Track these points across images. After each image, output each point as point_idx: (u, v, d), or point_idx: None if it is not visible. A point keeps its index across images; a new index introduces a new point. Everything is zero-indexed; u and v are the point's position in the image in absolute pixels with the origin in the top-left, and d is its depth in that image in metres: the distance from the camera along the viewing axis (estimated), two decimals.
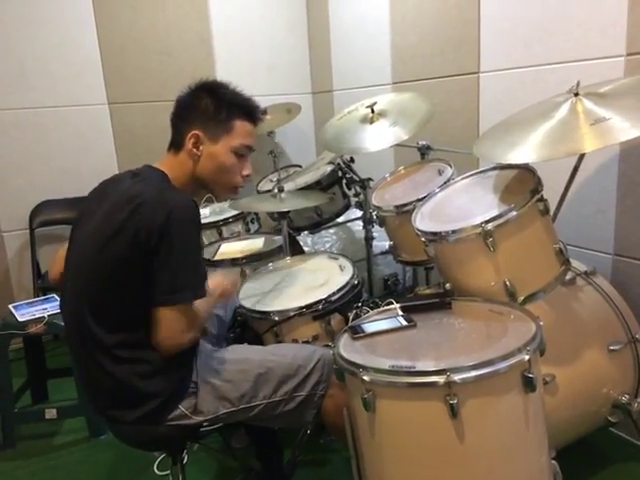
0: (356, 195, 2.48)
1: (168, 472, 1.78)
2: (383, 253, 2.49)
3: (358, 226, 2.54)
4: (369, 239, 2.27)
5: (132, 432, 1.37)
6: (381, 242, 2.38)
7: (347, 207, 2.56)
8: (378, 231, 2.23)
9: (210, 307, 1.45)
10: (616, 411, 1.60)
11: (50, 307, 2.20)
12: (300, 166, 2.93)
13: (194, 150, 1.39)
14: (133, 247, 1.24)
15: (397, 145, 1.97)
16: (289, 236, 2.31)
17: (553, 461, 1.24)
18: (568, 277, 1.64)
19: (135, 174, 1.39)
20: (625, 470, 1.75)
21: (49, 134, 2.99)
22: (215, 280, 1.54)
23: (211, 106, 1.39)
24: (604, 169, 1.81)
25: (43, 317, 2.10)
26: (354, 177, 2.36)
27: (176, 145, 1.42)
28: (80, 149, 3.05)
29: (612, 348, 1.56)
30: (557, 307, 1.58)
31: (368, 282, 2.31)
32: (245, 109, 1.42)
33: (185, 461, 1.90)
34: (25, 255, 3.00)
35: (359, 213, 2.46)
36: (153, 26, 3.09)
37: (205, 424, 1.39)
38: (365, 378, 1.12)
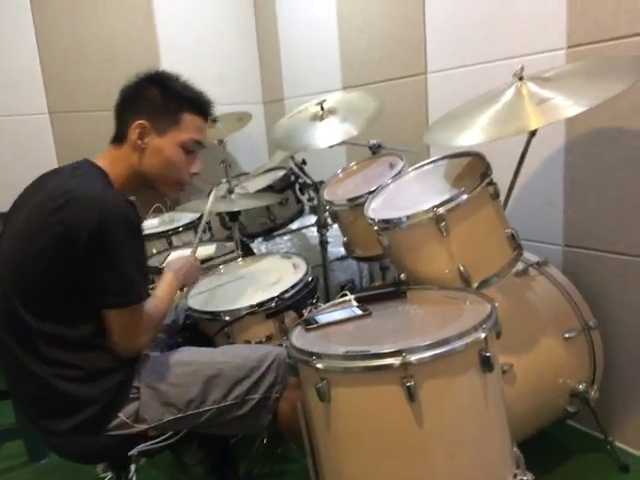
0: (310, 200, 2.45)
1: None
2: (339, 259, 2.44)
3: (312, 232, 2.50)
4: (324, 243, 2.23)
5: (69, 444, 1.27)
6: (336, 248, 2.33)
7: (301, 212, 2.51)
8: (333, 237, 2.19)
9: (173, 293, 1.42)
10: (574, 400, 1.59)
11: None
12: None
13: (139, 142, 1.29)
14: (59, 244, 1.15)
15: (348, 143, 1.95)
16: (242, 243, 2.24)
17: (515, 448, 1.21)
18: (520, 268, 1.64)
19: (75, 168, 1.30)
20: (584, 461, 1.74)
21: None
22: (178, 262, 1.52)
23: (159, 96, 1.31)
24: (550, 161, 1.84)
25: None
26: (307, 181, 2.32)
27: (119, 137, 1.33)
28: (19, 160, 2.87)
29: (567, 336, 1.56)
30: (511, 297, 1.58)
31: (324, 288, 2.25)
32: (196, 102, 1.35)
33: (132, 479, 1.79)
34: None
35: (313, 219, 2.42)
36: (96, 33, 2.99)
37: (151, 434, 1.29)
38: (319, 366, 1.07)
